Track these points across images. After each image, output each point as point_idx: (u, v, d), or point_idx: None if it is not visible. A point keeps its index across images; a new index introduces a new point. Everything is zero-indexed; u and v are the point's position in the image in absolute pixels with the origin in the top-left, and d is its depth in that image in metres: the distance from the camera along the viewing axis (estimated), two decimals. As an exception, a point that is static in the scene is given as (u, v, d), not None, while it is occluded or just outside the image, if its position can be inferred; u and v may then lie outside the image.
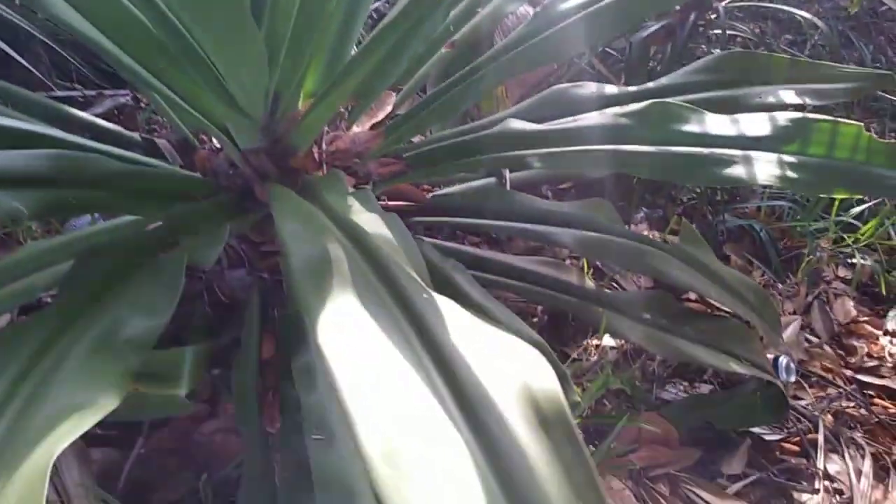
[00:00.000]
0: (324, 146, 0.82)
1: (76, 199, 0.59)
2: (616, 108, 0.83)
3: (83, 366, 0.36)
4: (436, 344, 0.36)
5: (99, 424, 0.75)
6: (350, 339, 0.35)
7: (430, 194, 0.96)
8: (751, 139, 0.69)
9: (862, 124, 0.66)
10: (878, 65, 1.57)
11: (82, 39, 0.61)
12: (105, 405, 0.33)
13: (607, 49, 1.20)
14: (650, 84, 0.86)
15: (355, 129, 0.87)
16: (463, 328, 0.37)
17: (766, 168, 0.66)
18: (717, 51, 1.16)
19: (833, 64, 0.87)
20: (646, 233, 1.27)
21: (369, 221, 0.52)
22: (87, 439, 0.73)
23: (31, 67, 1.04)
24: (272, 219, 0.74)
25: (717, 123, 0.70)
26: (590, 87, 0.86)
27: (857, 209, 1.20)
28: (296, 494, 0.59)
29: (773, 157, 0.68)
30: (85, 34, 0.61)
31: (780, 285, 1.13)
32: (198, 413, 0.76)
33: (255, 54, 0.64)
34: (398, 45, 0.70)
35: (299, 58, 0.70)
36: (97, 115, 1.21)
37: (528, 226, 0.84)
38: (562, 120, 0.83)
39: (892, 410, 0.91)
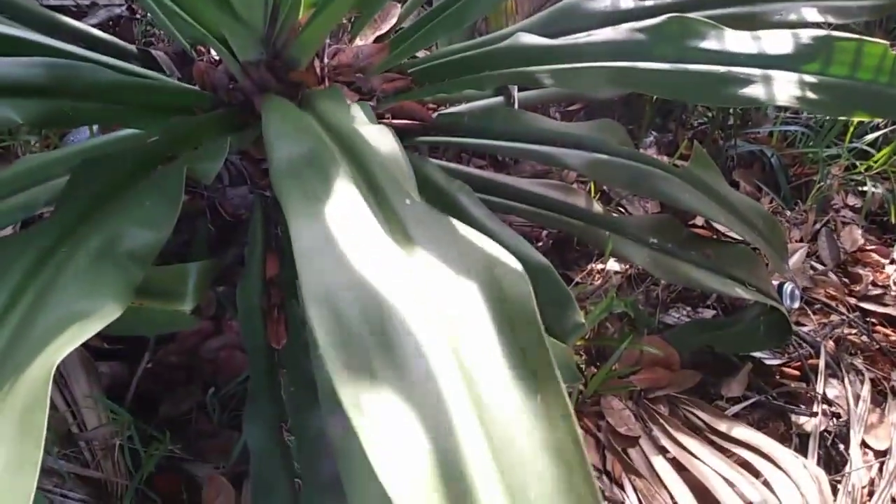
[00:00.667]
0: (326, 60, 0.79)
1: (72, 110, 0.57)
2: (632, 23, 0.80)
3: (84, 276, 0.36)
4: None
5: (105, 339, 0.75)
6: (324, 227, 0.35)
7: (436, 113, 0.93)
8: (771, 57, 0.66)
9: (888, 43, 0.63)
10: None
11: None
12: (107, 314, 0.33)
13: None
14: (667, -2, 0.82)
15: (359, 42, 0.83)
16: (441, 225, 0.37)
17: (785, 88, 0.64)
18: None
19: (858, -21, 0.83)
20: (655, 157, 1.25)
21: (361, 129, 0.50)
22: (95, 354, 0.74)
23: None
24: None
25: (736, 40, 0.67)
26: (604, 1, 0.82)
27: (871, 136, 1.17)
28: (302, 408, 0.60)
29: (794, 76, 0.65)
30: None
31: (788, 212, 1.12)
32: (203, 329, 0.76)
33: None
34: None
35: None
36: (93, 26, 1.17)
37: (536, 147, 0.82)
38: (574, 35, 0.79)
39: (893, 338, 0.92)
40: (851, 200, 1.19)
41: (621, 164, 0.80)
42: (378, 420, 0.28)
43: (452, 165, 0.91)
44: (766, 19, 0.82)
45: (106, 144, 0.69)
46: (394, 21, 0.85)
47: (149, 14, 0.89)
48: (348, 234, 0.37)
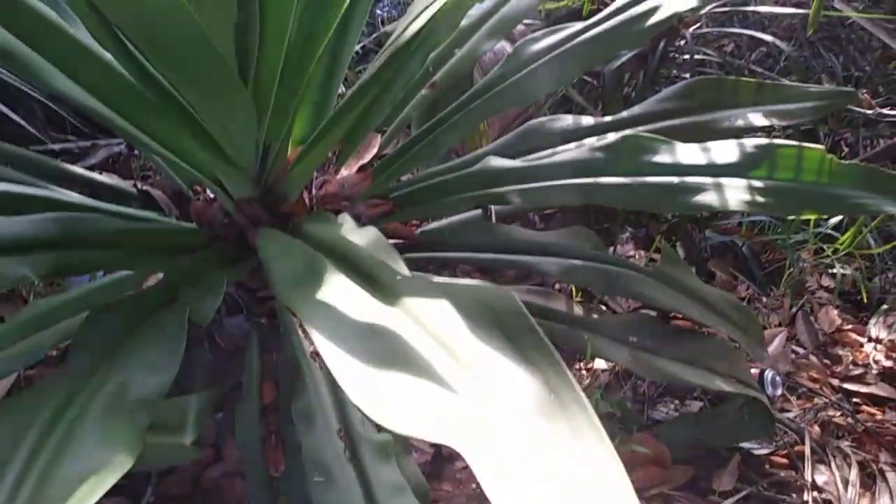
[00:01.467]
0: (314, 191, 0.85)
1: (80, 261, 0.62)
2: (592, 139, 0.88)
3: (97, 428, 0.39)
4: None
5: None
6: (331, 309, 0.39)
7: (419, 230, 0.99)
8: (720, 166, 0.72)
9: (823, 148, 0.70)
10: (848, 73, 1.61)
11: (76, 103, 0.64)
12: (120, 465, 0.35)
13: (583, 77, 1.24)
14: (624, 113, 0.90)
15: (344, 172, 0.90)
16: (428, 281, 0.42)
17: (735, 194, 0.70)
18: (688, 76, 1.20)
19: (798, 84, 0.91)
20: (631, 252, 1.30)
21: (348, 234, 0.55)
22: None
23: (24, 123, 1.07)
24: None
25: (687, 153, 0.73)
26: (566, 120, 0.89)
27: (834, 220, 1.24)
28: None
29: (743, 182, 0.71)
30: (78, 99, 0.64)
31: (764, 298, 1.16)
32: (204, 458, 0.78)
33: (242, 110, 0.68)
34: (382, 92, 0.73)
35: (287, 109, 0.73)
36: (93, 166, 1.24)
37: (514, 257, 0.87)
38: (539, 154, 0.86)
39: (878, 417, 0.94)
40: (825, 281, 1.23)
41: (595, 269, 0.85)
42: (398, 394, 0.34)
43: (437, 278, 0.95)
44: (717, 126, 0.89)
45: (110, 287, 0.73)
46: (375, 150, 0.92)
47: (146, 157, 0.95)
48: (350, 308, 0.41)
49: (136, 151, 1.31)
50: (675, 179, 0.72)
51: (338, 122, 0.72)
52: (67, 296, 0.73)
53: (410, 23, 0.55)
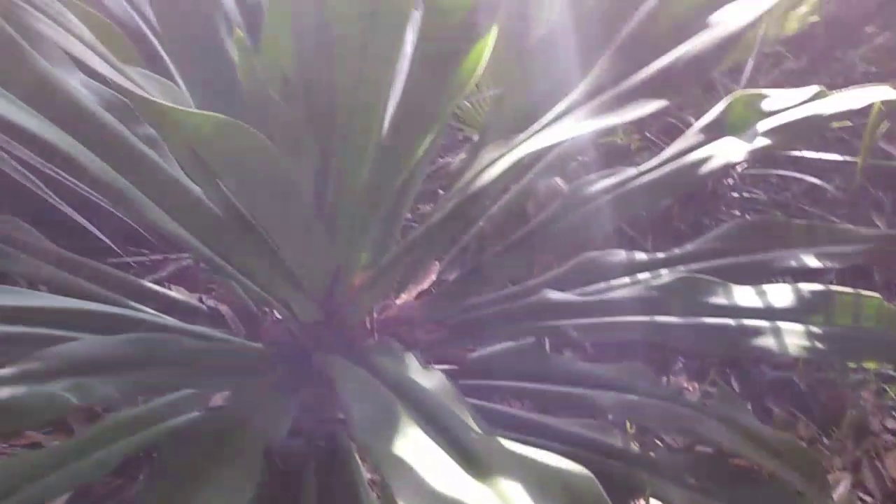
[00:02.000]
0: (375, 315, 0.89)
1: (159, 381, 0.65)
2: (646, 273, 0.90)
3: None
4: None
5: None
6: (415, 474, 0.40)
7: (472, 354, 1.00)
8: (778, 310, 0.73)
9: (879, 296, 0.70)
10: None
11: (163, 230, 0.70)
12: None
13: (635, 210, 1.28)
14: (676, 250, 0.92)
15: (403, 296, 0.93)
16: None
17: (794, 339, 0.70)
18: (737, 212, 1.23)
19: (848, 227, 0.92)
20: (685, 384, 1.28)
21: (417, 377, 0.57)
22: None
23: (106, 239, 1.14)
24: (330, 388, 0.79)
25: (744, 295, 0.75)
26: (620, 255, 0.92)
27: (896, 359, 1.21)
28: None
29: (801, 328, 0.71)
30: (166, 227, 0.69)
31: (825, 440, 1.12)
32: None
33: (317, 244, 0.72)
34: (444, 227, 0.77)
35: (357, 244, 0.78)
36: (163, 279, 1.31)
37: (569, 389, 0.87)
38: (596, 287, 0.89)
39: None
40: (889, 423, 1.19)
41: (652, 405, 0.84)
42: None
43: (489, 405, 0.96)
44: (769, 267, 0.90)
45: (176, 403, 0.76)
46: (433, 277, 0.96)
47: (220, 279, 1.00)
48: (435, 477, 0.41)
49: (202, 265, 1.38)
50: (732, 322, 0.73)
51: (404, 256, 0.76)
52: (138, 411, 0.76)
53: (481, 171, 0.60)
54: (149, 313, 0.88)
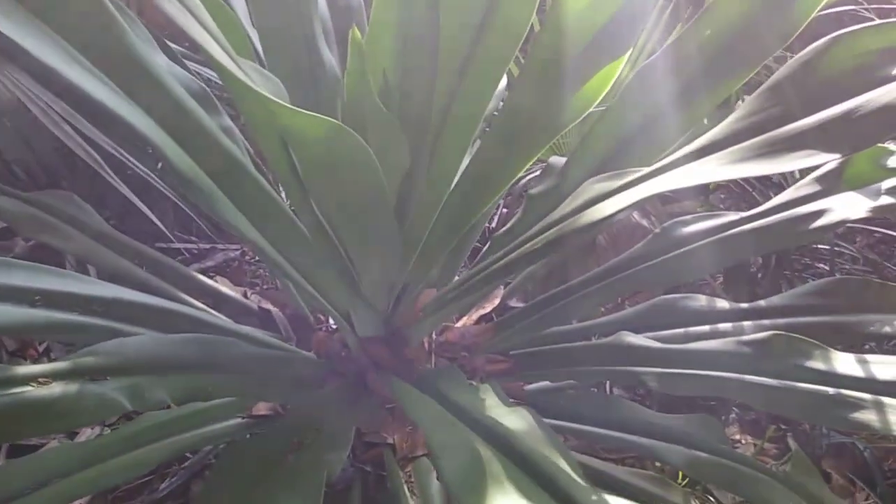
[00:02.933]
0: (434, 336, 0.84)
1: (212, 386, 0.61)
2: (727, 324, 0.84)
3: None
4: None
5: None
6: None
7: (527, 387, 0.95)
8: (881, 383, 0.67)
9: None
10: None
11: (227, 222, 0.65)
12: None
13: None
14: (761, 303, 0.86)
15: (464, 319, 0.89)
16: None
17: (899, 418, 0.64)
18: (825, 266, 1.16)
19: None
20: (737, 436, 1.21)
21: (503, 418, 0.52)
22: None
23: (158, 222, 1.12)
24: (384, 410, 0.74)
25: (843, 363, 0.68)
26: (699, 300, 0.86)
27: (969, 437, 1.13)
28: None
29: (907, 405, 0.65)
30: (230, 219, 0.65)
31: (888, 516, 1.05)
32: None
33: (393, 256, 0.68)
34: (530, 258, 0.72)
35: (430, 259, 0.74)
36: (210, 268, 1.28)
37: (633, 438, 0.81)
38: (672, 332, 0.83)
39: None
40: (955, 505, 1.11)
41: (721, 465, 0.78)
42: None
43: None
44: (860, 331, 0.84)
45: (217, 409, 0.72)
46: (497, 301, 0.90)
47: (278, 281, 0.96)
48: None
49: (247, 257, 1.35)
50: (829, 390, 0.67)
51: (479, 281, 0.71)
52: (178, 412, 0.72)
53: (585, 205, 0.55)
54: (200, 309, 0.84)
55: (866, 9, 1.16)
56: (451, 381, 0.63)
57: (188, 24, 0.37)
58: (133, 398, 0.54)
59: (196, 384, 0.59)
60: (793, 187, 0.71)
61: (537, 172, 1.14)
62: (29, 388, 0.49)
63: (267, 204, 0.66)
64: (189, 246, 1.27)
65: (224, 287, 0.99)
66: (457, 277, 0.84)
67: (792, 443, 1.18)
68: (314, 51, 0.74)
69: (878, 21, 0.42)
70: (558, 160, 0.87)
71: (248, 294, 1.25)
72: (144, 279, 0.87)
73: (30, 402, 0.47)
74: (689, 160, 0.47)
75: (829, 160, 0.38)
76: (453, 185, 0.65)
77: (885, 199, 0.67)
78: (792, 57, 0.48)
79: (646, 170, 0.52)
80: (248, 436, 0.64)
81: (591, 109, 0.55)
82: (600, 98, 0.54)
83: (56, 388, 0.50)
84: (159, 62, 0.56)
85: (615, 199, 0.49)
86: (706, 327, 0.83)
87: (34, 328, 0.60)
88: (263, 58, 0.71)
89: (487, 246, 0.87)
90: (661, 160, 0.51)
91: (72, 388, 0.51)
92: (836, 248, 1.15)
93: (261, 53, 0.75)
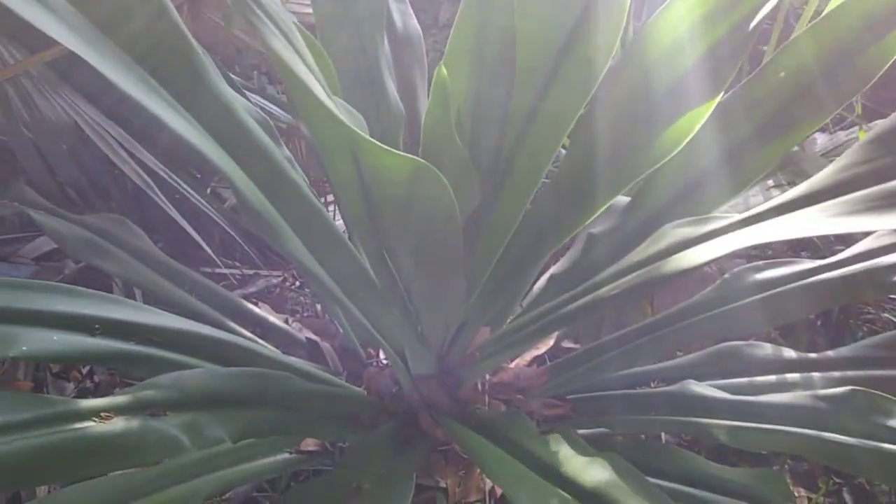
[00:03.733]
0: (487, 377, 0.81)
1: (268, 425, 0.59)
2: (794, 375, 0.80)
3: None
4: None
5: None
6: None
7: (581, 432, 0.92)
8: (971, 447, 0.63)
9: None
10: None
11: (290, 254, 0.64)
12: None
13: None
14: (830, 353, 0.82)
15: (517, 360, 0.86)
16: None
17: None
18: (889, 315, 1.12)
19: None
20: (790, 488, 1.16)
21: (570, 463, 0.49)
22: None
23: (204, 244, 1.11)
24: (437, 452, 0.72)
25: (929, 423, 0.65)
26: (765, 349, 0.83)
27: None
28: None
29: None
30: (302, 260, 0.64)
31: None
32: None
33: (455, 295, 0.66)
34: (595, 306, 0.69)
35: (491, 300, 0.71)
36: (252, 294, 1.27)
37: (692, 490, 0.77)
38: (737, 382, 0.80)
39: None
40: None
41: (787, 526, 0.74)
42: None
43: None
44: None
45: (265, 444, 0.70)
46: (551, 343, 0.88)
47: (331, 314, 0.95)
48: None
49: (291, 285, 1.34)
50: (915, 453, 0.63)
51: (538, 323, 0.69)
52: (226, 446, 0.70)
53: (660, 254, 0.52)
54: (251, 339, 0.83)
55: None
56: (518, 428, 0.60)
57: (292, 61, 0.36)
58: (192, 436, 0.52)
59: (252, 421, 0.57)
60: (872, 236, 0.68)
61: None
62: (91, 423, 0.48)
63: (329, 237, 0.65)
64: (233, 271, 1.27)
65: (271, 316, 0.98)
66: (513, 317, 0.81)
67: (847, 497, 1.13)
68: (379, 84, 0.74)
69: None
70: (618, 199, 0.85)
71: (290, 321, 1.24)
72: (195, 307, 0.86)
73: (94, 438, 0.45)
74: (784, 211, 0.45)
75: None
76: (516, 227, 0.63)
77: (977, 253, 0.63)
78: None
79: (734, 217, 0.49)
80: (300, 477, 0.62)
81: (671, 155, 0.53)
82: (683, 145, 0.52)
83: (118, 424, 0.49)
84: (230, 92, 0.56)
85: (706, 247, 0.47)
86: (773, 377, 0.79)
87: (93, 357, 0.59)
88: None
89: (545, 285, 0.84)
90: (749, 208, 0.49)
91: (133, 424, 0.50)
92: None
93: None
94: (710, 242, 0.48)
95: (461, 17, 0.59)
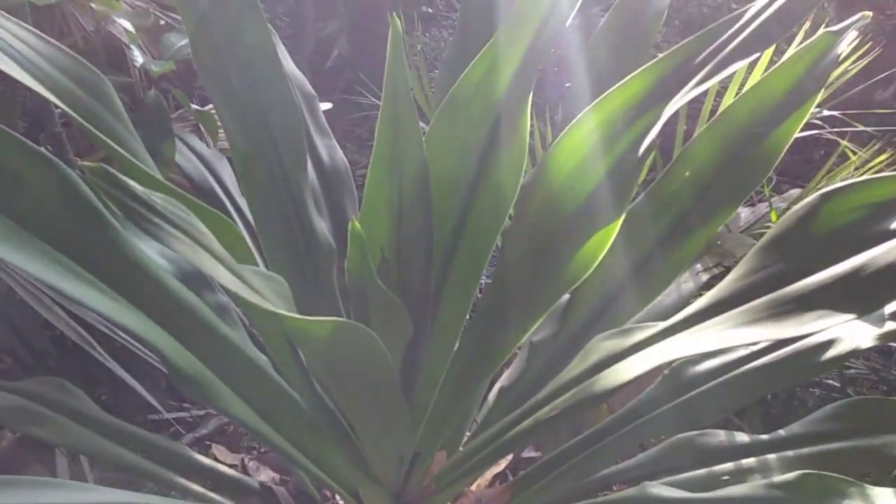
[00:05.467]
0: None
1: None
2: (751, 460, 0.81)
3: None
4: None
5: None
6: None
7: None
8: (925, 519, 0.64)
9: None
10: None
11: (230, 415, 0.63)
12: None
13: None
14: (781, 432, 0.83)
15: (478, 480, 0.84)
16: None
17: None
18: (836, 383, 1.14)
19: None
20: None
21: None
22: None
23: (147, 395, 1.08)
24: None
25: (883, 498, 0.65)
26: (718, 436, 0.83)
27: None
28: None
29: (956, 542, 0.61)
30: (233, 412, 0.63)
31: None
32: None
33: (401, 431, 0.65)
34: (545, 426, 0.70)
35: (443, 426, 0.71)
36: (205, 436, 1.23)
37: None
38: (695, 474, 0.80)
39: None
40: None
41: None
42: None
43: None
44: (885, 452, 0.81)
45: None
46: (510, 457, 0.87)
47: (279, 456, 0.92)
48: None
49: (240, 430, 1.30)
50: (874, 533, 0.63)
51: (488, 448, 0.68)
52: None
53: (590, 370, 0.54)
54: (199, 495, 0.80)
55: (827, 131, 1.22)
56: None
57: (196, 257, 0.37)
58: None
59: None
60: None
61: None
62: None
63: (266, 387, 0.64)
64: (182, 415, 1.23)
65: (221, 463, 0.95)
66: (469, 435, 0.81)
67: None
68: (305, 221, 0.75)
69: (865, 178, 0.43)
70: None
71: (247, 460, 1.20)
72: (141, 466, 0.83)
73: None
74: (697, 320, 0.47)
75: (844, 320, 0.38)
76: (455, 352, 0.64)
77: (891, 325, 0.66)
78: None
79: (655, 327, 0.51)
80: None
81: (585, 276, 0.55)
82: (594, 266, 0.55)
83: None
84: (145, 251, 0.56)
85: (629, 363, 0.48)
86: (730, 464, 0.80)
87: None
88: (255, 227, 0.72)
89: (495, 398, 0.84)
90: (680, 296, 0.51)
91: None
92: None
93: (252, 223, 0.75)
94: (633, 357, 0.49)
95: (375, 160, 0.62)
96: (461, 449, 0.74)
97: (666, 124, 0.52)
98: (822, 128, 1.41)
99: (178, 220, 0.37)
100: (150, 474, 0.82)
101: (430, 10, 2.50)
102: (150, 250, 0.62)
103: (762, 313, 0.42)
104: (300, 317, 0.39)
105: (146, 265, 0.53)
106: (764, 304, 0.43)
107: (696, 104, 1.26)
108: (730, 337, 0.42)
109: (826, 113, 1.39)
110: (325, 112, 0.97)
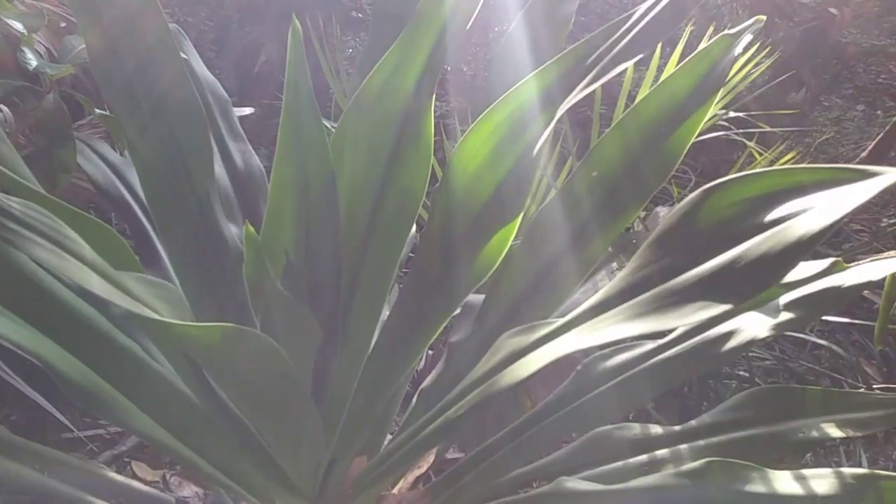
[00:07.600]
0: (371, 508, 0.79)
1: None
2: (664, 450, 0.83)
3: None
4: None
5: None
6: None
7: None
8: (822, 498, 0.67)
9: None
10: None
11: (136, 431, 0.61)
12: None
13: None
14: (693, 423, 0.86)
15: (400, 483, 0.84)
16: None
17: (844, 534, 0.63)
18: (744, 372, 1.19)
19: (865, 392, 0.88)
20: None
21: None
22: None
23: (58, 414, 1.04)
24: None
25: (782, 481, 0.68)
26: (633, 429, 0.85)
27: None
28: None
29: (849, 519, 0.65)
30: (139, 427, 0.61)
31: None
32: None
33: (313, 437, 0.65)
34: (457, 423, 0.70)
35: (358, 430, 0.71)
36: (123, 453, 1.19)
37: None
38: (613, 467, 0.81)
39: None
40: None
41: None
42: None
43: None
44: (791, 438, 0.85)
45: None
46: (431, 459, 0.87)
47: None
48: None
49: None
50: (776, 514, 0.66)
51: (405, 447, 0.68)
52: None
53: (498, 366, 0.54)
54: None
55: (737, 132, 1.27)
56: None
57: (63, 265, 0.36)
58: None
59: None
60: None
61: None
62: None
63: (171, 400, 0.63)
64: (99, 431, 1.18)
65: (137, 480, 0.92)
66: (388, 440, 0.80)
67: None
68: (214, 227, 0.73)
69: (743, 173, 0.45)
70: (475, 298, 0.87)
71: (168, 476, 1.16)
72: (45, 485, 0.79)
73: None
74: (591, 315, 0.48)
75: (722, 310, 0.40)
76: (369, 352, 0.64)
77: (785, 315, 0.69)
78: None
79: (556, 323, 0.52)
80: None
81: (492, 271, 0.56)
82: (499, 262, 0.55)
83: None
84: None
85: (532, 358, 0.49)
86: (644, 456, 0.82)
87: None
88: (160, 236, 0.70)
89: (415, 400, 0.84)
90: (569, 310, 0.52)
91: None
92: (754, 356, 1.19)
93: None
94: (538, 350, 0.50)
95: (279, 162, 0.61)
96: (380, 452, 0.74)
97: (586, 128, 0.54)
98: (736, 129, 1.47)
99: (39, 226, 0.36)
100: (58, 495, 0.78)
101: (359, 14, 2.50)
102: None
103: (648, 307, 0.43)
104: (186, 323, 0.38)
105: (30, 274, 0.51)
106: (650, 297, 0.44)
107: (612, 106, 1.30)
108: (618, 331, 0.44)
109: (742, 115, 1.46)
110: (250, 117, 0.95)
